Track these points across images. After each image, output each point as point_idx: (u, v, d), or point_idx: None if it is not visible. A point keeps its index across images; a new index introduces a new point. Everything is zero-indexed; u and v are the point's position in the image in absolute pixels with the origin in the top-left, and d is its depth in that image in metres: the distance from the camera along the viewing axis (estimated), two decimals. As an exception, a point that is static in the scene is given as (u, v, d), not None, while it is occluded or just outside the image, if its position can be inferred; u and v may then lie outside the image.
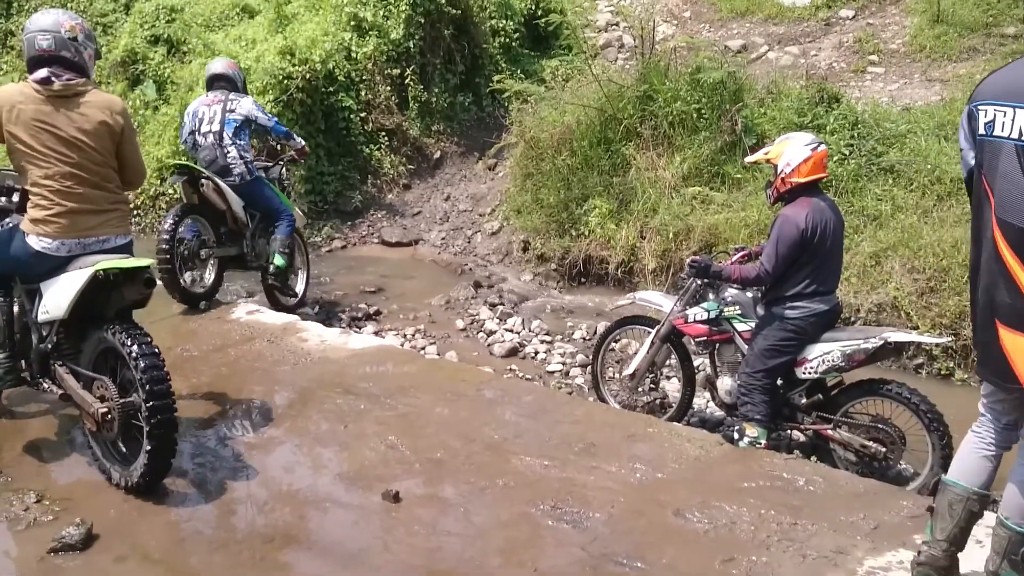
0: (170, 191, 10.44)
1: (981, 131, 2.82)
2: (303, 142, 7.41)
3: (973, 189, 2.93)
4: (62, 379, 3.97)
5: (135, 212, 10.56)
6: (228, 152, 6.66)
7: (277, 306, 7.18)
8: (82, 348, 3.98)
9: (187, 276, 6.60)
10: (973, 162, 2.91)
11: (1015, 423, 3.01)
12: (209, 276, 6.80)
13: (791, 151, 4.65)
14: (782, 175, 4.67)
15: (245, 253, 7.00)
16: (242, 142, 6.74)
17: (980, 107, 2.82)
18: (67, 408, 4.42)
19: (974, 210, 2.92)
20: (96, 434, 3.92)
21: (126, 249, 4.04)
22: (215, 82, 6.91)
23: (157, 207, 10.60)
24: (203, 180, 6.54)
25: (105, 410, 3.70)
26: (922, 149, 7.70)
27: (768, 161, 4.79)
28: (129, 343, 3.64)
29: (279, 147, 7.62)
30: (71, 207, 3.81)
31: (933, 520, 3.12)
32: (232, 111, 6.72)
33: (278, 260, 6.82)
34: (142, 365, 3.59)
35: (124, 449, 3.94)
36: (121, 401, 3.69)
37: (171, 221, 6.44)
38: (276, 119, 7.15)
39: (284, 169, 7.49)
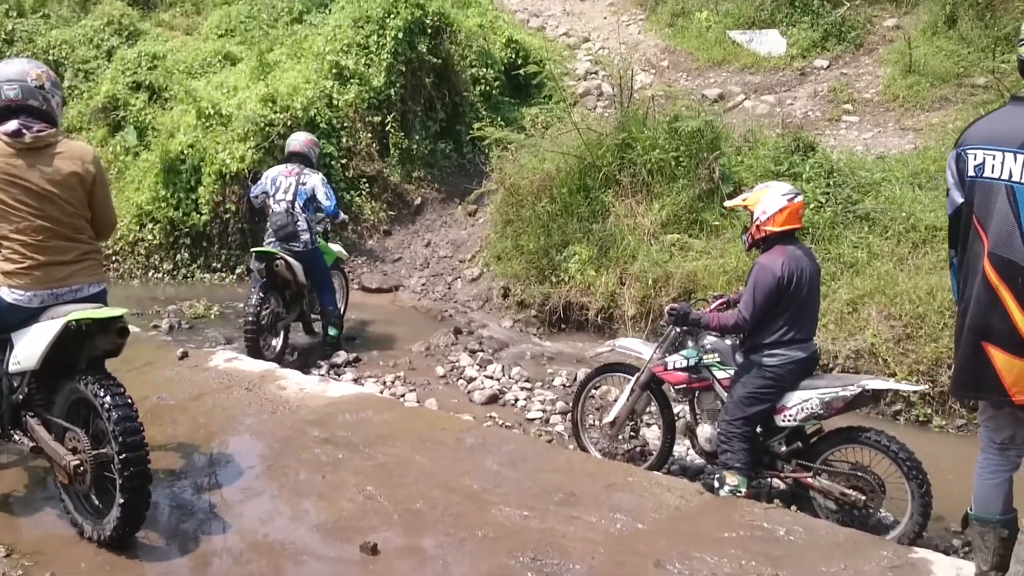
0: (149, 237, 10.46)
1: (971, 172, 3.08)
2: (345, 217, 8.65)
3: (962, 225, 3.17)
4: (33, 430, 3.90)
5: (113, 258, 10.55)
6: (298, 221, 7.51)
7: (312, 333, 8.18)
8: (54, 399, 3.92)
9: (263, 344, 7.36)
10: (960, 200, 3.17)
11: (1011, 440, 3.22)
12: (278, 342, 7.61)
13: (768, 200, 4.71)
14: (757, 222, 4.72)
15: (305, 312, 8.00)
16: (308, 213, 7.61)
17: (968, 151, 3.09)
18: (38, 460, 4.35)
19: (963, 244, 3.11)
20: (68, 487, 3.85)
21: (100, 297, 4.00)
22: (292, 157, 7.83)
23: (136, 253, 10.60)
24: (277, 261, 7.34)
25: (77, 462, 3.64)
26: (897, 197, 7.81)
27: (745, 207, 4.84)
28: (102, 394, 3.59)
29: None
30: (43, 260, 3.78)
31: (974, 553, 3.34)
32: (304, 184, 7.61)
33: (332, 331, 7.86)
34: (115, 416, 3.53)
35: (97, 502, 3.86)
36: (93, 453, 3.63)
37: (256, 298, 7.30)
38: (335, 200, 7.86)
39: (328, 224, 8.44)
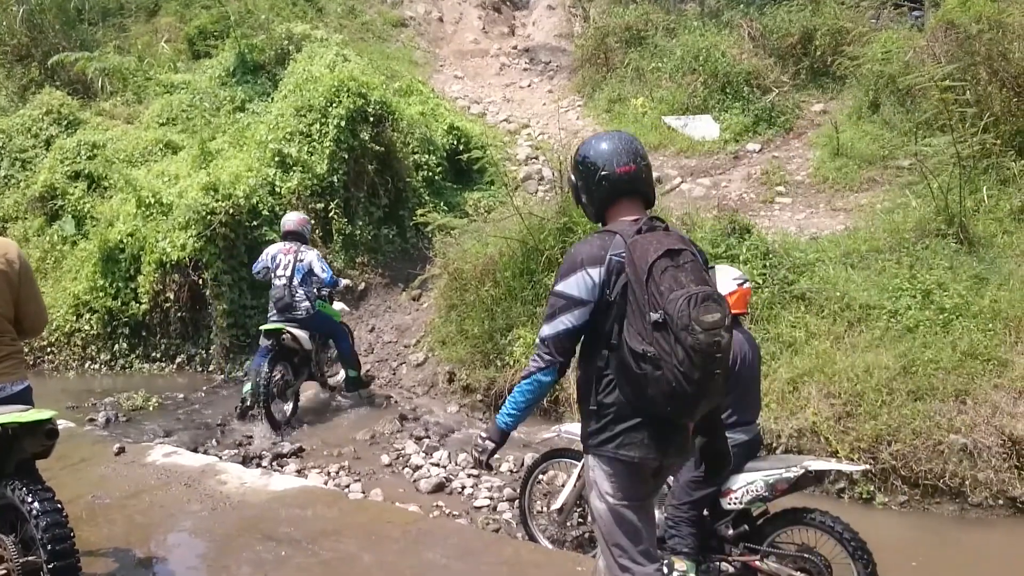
0: (86, 327, 10.27)
1: None
2: (346, 282, 9.46)
3: None
4: (-43, 538, 3.74)
5: (48, 350, 10.33)
6: (296, 294, 8.31)
7: (328, 388, 9.15)
8: (-21, 505, 3.78)
9: (275, 408, 8.03)
10: None
11: None
12: (289, 407, 8.37)
13: (718, 282, 4.76)
14: None
15: (314, 372, 8.85)
16: (307, 287, 8.37)
17: None
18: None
19: None
20: (-6, 598, 3.69)
21: (23, 395, 3.89)
22: (288, 235, 8.62)
23: (72, 344, 10.38)
24: (284, 336, 8.19)
25: (4, 572, 3.50)
26: (831, 277, 8.00)
27: None
28: (30, 499, 3.47)
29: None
30: None
31: None
32: (301, 260, 8.38)
33: (352, 373, 8.78)
34: (43, 524, 3.42)
35: (25, 613, 3.69)
36: (20, 561, 3.49)
37: (267, 368, 7.97)
38: (331, 272, 8.59)
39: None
